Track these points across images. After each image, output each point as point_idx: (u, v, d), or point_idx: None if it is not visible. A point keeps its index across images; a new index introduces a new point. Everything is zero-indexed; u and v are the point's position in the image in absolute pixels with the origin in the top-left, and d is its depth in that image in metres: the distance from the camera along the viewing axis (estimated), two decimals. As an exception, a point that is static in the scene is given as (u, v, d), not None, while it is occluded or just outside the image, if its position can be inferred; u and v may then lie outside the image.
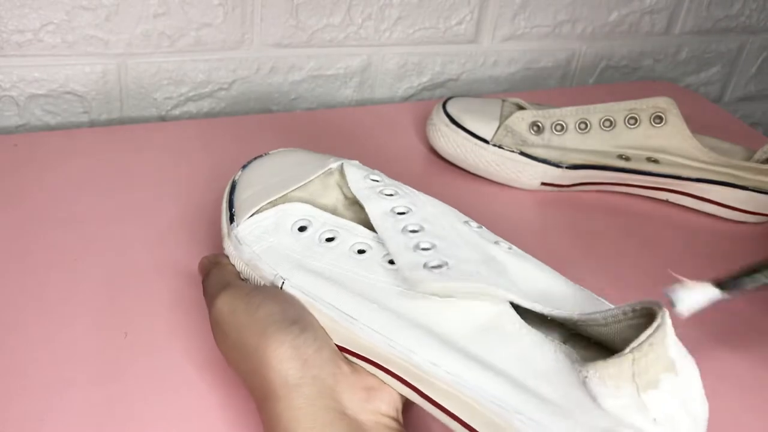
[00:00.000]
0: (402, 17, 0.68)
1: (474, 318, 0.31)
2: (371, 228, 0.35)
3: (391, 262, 0.33)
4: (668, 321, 0.26)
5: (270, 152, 0.42)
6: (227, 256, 0.38)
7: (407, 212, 0.35)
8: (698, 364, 0.28)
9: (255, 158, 0.42)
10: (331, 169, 0.39)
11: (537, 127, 0.55)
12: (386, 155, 0.59)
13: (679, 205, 0.57)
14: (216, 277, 0.36)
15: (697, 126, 0.56)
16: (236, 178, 0.40)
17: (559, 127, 0.55)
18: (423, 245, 0.33)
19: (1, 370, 0.36)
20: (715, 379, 0.32)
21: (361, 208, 0.36)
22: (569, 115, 0.55)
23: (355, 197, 0.37)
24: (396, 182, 0.38)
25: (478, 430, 0.29)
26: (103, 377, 0.36)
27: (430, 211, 0.35)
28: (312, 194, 0.38)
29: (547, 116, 0.55)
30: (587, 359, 0.27)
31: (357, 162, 0.40)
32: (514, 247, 0.35)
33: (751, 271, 0.29)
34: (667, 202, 0.57)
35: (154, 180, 0.52)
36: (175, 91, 0.63)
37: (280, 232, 0.36)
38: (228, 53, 0.63)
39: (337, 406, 0.30)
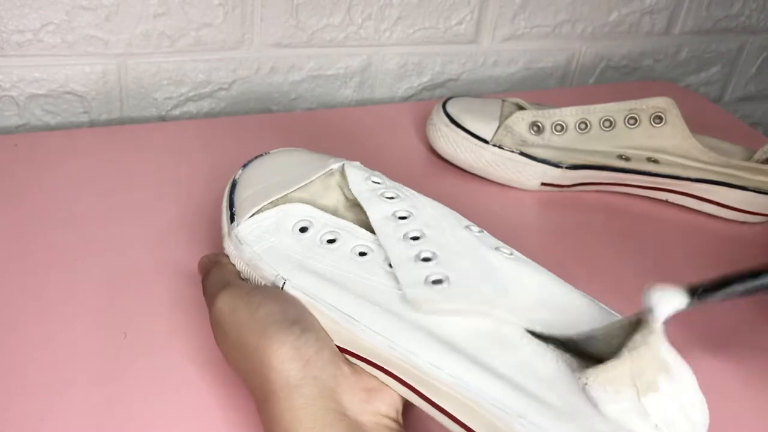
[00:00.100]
0: (402, 17, 0.68)
1: (476, 323, 0.31)
2: (372, 230, 0.35)
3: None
4: (659, 323, 0.26)
5: (271, 151, 0.42)
6: (227, 256, 0.38)
7: (408, 217, 0.35)
8: (693, 367, 0.28)
9: (256, 157, 0.42)
10: (332, 169, 0.39)
11: (537, 127, 0.55)
12: (386, 155, 0.58)
13: (679, 205, 0.57)
14: (216, 276, 0.36)
15: (697, 126, 0.56)
16: (237, 176, 0.40)
17: (559, 127, 0.55)
18: (424, 254, 0.33)
19: (1, 370, 0.36)
20: (712, 380, 0.32)
21: (362, 209, 0.36)
22: (569, 115, 0.55)
23: (356, 199, 0.37)
24: (397, 184, 0.38)
25: (478, 432, 0.29)
26: (103, 377, 0.36)
27: (431, 215, 0.35)
28: (313, 195, 0.38)
29: (547, 116, 0.55)
30: (588, 366, 0.27)
31: (358, 163, 0.40)
32: (515, 252, 0.35)
33: (730, 280, 0.28)
34: (666, 202, 0.57)
35: (154, 180, 0.52)
36: (175, 91, 0.63)
37: (281, 232, 0.36)
38: (228, 53, 0.63)
39: (337, 407, 0.30)
